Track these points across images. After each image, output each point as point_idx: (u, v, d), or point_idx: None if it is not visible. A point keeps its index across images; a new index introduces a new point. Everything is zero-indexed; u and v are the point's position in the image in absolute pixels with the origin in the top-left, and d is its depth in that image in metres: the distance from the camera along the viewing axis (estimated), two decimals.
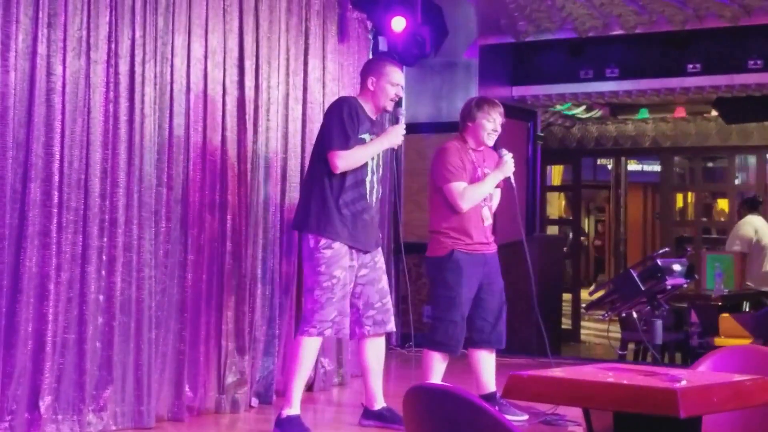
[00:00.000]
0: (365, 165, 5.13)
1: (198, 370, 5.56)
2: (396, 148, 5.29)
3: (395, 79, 5.22)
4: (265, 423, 5.36)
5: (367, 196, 5.15)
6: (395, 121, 5.29)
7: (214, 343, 5.67)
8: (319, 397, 6.40)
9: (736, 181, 12.83)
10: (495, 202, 5.63)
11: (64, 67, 4.87)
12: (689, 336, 8.09)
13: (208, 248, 5.64)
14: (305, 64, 6.50)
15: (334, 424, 5.82)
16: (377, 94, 5.18)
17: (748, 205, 9.61)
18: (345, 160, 5.03)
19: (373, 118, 5.25)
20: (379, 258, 5.28)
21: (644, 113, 11.56)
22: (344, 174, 5.06)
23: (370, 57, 7.32)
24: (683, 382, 2.78)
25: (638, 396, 2.74)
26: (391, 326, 5.33)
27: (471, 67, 8.72)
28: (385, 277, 5.31)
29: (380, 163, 5.27)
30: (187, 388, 5.48)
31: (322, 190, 5.08)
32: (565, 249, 10.80)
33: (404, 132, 5.22)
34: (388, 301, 5.31)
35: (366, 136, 5.12)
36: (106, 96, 5.07)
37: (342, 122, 5.04)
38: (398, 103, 5.41)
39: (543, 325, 5.63)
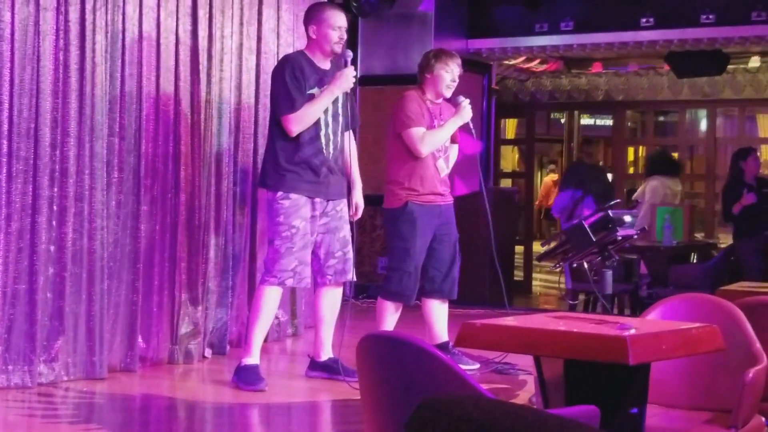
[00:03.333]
0: (318, 119, 5.08)
1: (151, 320, 5.55)
2: (349, 91, 5.19)
3: (337, 22, 5.13)
4: (219, 374, 5.37)
5: (324, 149, 5.11)
6: (343, 64, 5.17)
7: (168, 293, 5.65)
8: (273, 347, 6.42)
9: (686, 135, 12.96)
10: (452, 157, 5.63)
11: (13, 14, 4.78)
12: (638, 287, 8.22)
13: (161, 199, 5.60)
14: (259, 13, 6.43)
15: (287, 374, 5.85)
16: (321, 41, 5.10)
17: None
18: (297, 123, 4.99)
19: (325, 67, 5.15)
20: (341, 207, 5.26)
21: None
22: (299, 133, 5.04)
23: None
24: (632, 330, 2.83)
25: (588, 344, 2.79)
26: (352, 275, 5.34)
27: (427, 19, 8.68)
28: (347, 227, 5.31)
29: (338, 112, 5.18)
30: (139, 339, 5.46)
31: (275, 151, 5.07)
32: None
33: (354, 74, 5.11)
34: (350, 251, 5.31)
35: (315, 91, 5.05)
36: (56, 44, 4.98)
37: (285, 85, 5.00)
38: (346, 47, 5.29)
39: (501, 276, 5.67)
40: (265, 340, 6.38)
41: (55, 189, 5.00)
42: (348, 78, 5.07)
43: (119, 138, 5.36)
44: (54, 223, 5.00)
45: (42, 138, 4.92)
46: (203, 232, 5.86)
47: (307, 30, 5.17)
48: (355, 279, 5.44)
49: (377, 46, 8.74)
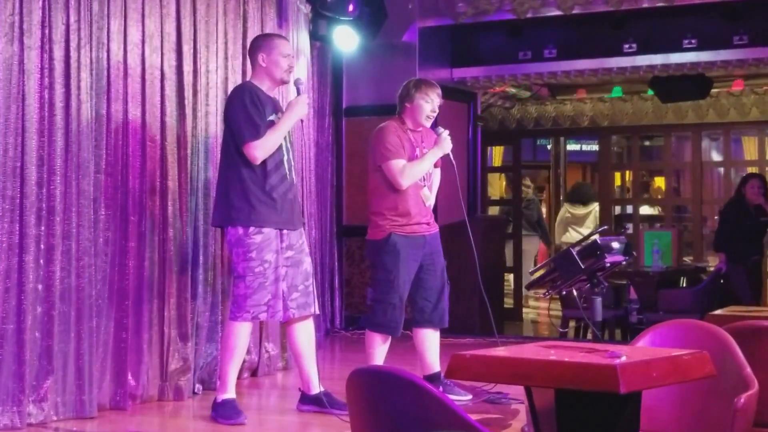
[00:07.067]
0: (279, 145, 5.09)
1: (140, 357, 5.52)
2: (303, 119, 5.23)
3: (285, 50, 5.19)
4: (209, 409, 5.33)
5: (287, 175, 5.13)
6: (296, 92, 5.19)
7: (157, 330, 5.63)
8: (264, 381, 6.39)
9: (672, 159, 13.02)
10: (435, 183, 5.62)
11: None
12: (628, 312, 8.23)
13: (148, 235, 5.59)
14: (244, 48, 6.45)
15: (278, 408, 5.82)
16: (271, 69, 5.12)
17: None
18: (262, 149, 4.99)
19: (275, 95, 5.20)
20: (302, 240, 5.26)
21: (618, 91, 11.55)
22: (264, 160, 5.04)
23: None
24: (623, 358, 2.82)
25: (579, 373, 2.78)
26: (315, 308, 5.31)
27: (411, 49, 8.71)
28: (308, 259, 5.30)
29: (291, 139, 5.24)
30: (129, 376, 5.43)
31: (242, 181, 5.03)
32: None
33: (308, 101, 5.15)
34: (311, 284, 5.29)
35: (273, 117, 5.08)
36: (40, 82, 4.99)
37: (247, 111, 4.99)
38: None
39: (489, 304, 5.67)
40: (256, 374, 6.39)
41: (42, 227, 4.98)
42: (303, 105, 5.11)
43: (106, 175, 5.36)
44: (41, 261, 4.98)
45: (28, 177, 4.91)
46: (192, 267, 5.84)
47: (256, 59, 5.17)
48: (318, 312, 5.42)
49: (362, 77, 8.76)
